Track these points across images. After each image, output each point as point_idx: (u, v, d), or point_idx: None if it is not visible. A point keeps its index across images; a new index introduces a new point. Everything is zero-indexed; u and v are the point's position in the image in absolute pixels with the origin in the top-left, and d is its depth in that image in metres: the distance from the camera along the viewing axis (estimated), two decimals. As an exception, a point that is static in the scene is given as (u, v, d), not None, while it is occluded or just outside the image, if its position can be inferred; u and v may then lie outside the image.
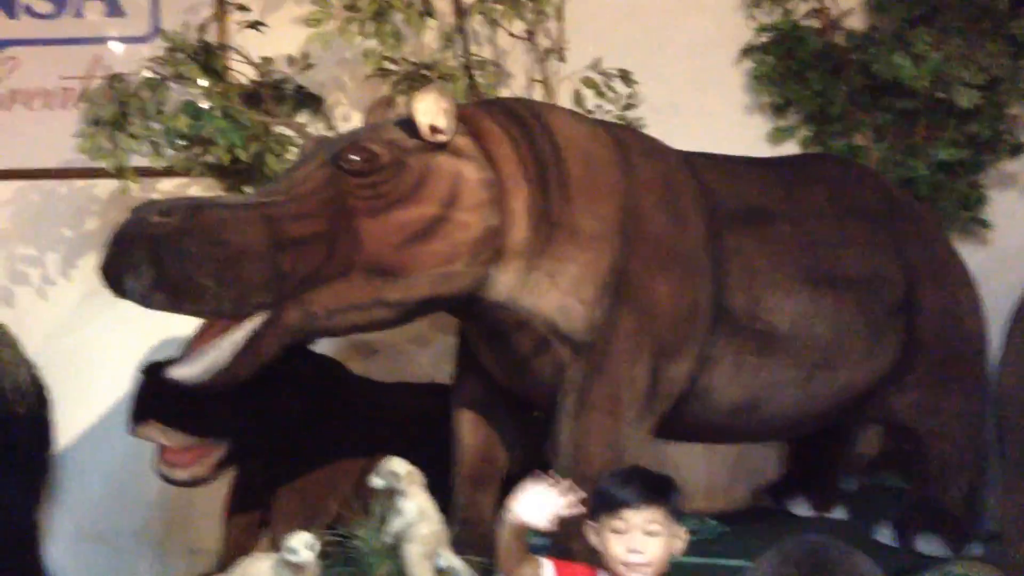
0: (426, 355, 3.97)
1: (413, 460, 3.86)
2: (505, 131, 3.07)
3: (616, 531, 2.18)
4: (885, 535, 3.97)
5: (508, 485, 2.51)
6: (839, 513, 4.31)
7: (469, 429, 3.49)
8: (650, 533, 2.17)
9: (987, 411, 3.70)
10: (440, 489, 3.30)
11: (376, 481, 2.74)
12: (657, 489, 2.22)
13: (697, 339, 3.16)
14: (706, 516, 4.20)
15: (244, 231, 2.67)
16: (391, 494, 2.74)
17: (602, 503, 2.22)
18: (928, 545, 3.82)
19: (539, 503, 2.13)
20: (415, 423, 3.94)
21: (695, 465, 4.66)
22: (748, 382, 3.33)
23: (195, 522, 4.60)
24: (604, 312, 3.00)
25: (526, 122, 3.13)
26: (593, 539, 2.25)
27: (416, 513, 2.60)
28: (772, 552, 2.44)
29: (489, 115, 3.14)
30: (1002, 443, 3.13)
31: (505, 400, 3.43)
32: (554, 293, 2.98)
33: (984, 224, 4.50)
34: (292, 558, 2.51)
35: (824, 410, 3.59)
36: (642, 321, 3.02)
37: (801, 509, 4.34)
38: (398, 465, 2.77)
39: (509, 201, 2.96)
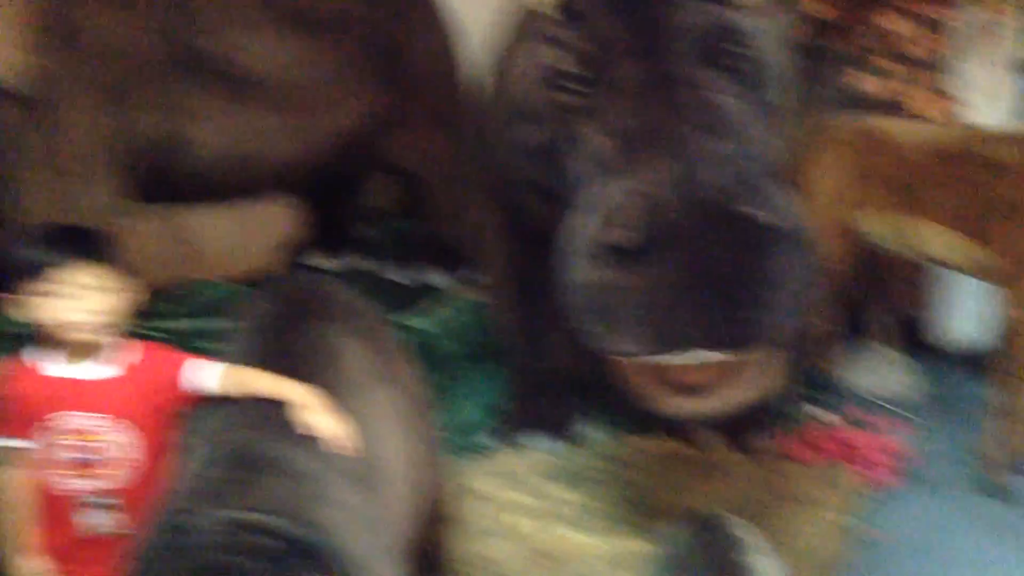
0: None
1: None
2: None
3: (50, 294, 1.96)
4: (396, 273, 4.21)
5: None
6: (356, 261, 4.47)
7: None
8: (87, 287, 1.98)
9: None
10: None
11: None
12: (88, 243, 2.02)
13: (161, 86, 2.90)
14: (226, 280, 4.14)
15: None
16: None
17: (26, 270, 1.93)
18: (432, 276, 4.12)
19: None
20: None
21: (218, 234, 4.49)
22: (232, 132, 3.16)
23: None
24: (43, 58, 2.60)
25: None
26: (19, 313, 2.00)
27: None
28: (262, 294, 2.41)
29: None
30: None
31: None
32: (-23, 38, 2.52)
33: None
34: None
35: (318, 157, 3.56)
36: (90, 70, 2.69)
37: (321, 261, 4.44)
38: None
39: None
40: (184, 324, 3.50)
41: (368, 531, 1.77)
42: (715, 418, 2.09)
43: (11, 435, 2.02)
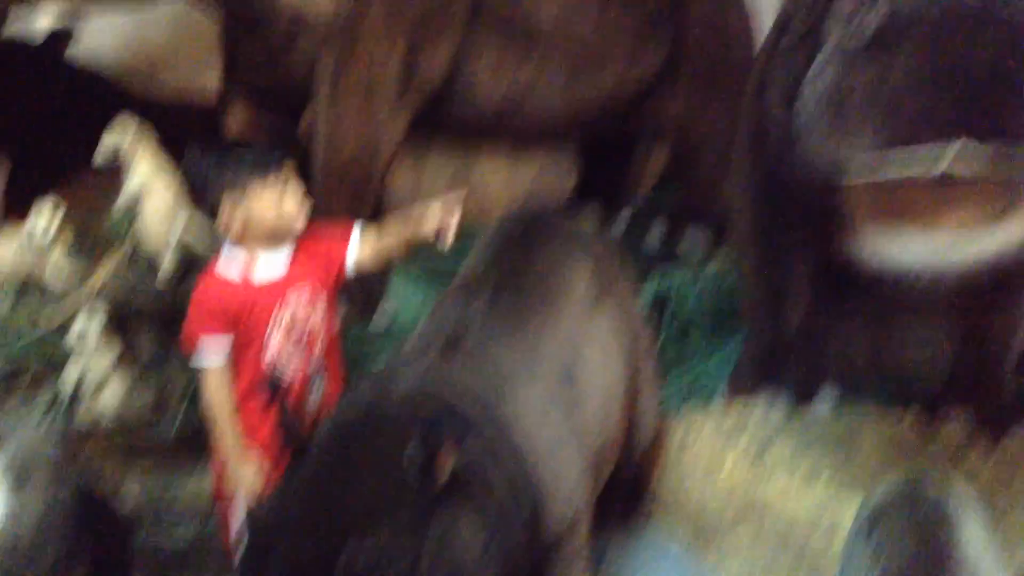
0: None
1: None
2: None
3: (272, 196, 2.13)
4: (655, 235, 4.26)
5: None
6: (620, 224, 4.56)
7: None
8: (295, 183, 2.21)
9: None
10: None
11: (102, 150, 2.55)
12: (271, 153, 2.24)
13: (454, 28, 3.16)
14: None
15: None
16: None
17: (250, 173, 2.12)
18: (692, 239, 4.12)
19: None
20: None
21: (498, 180, 4.80)
22: (511, 78, 3.38)
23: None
24: None
25: None
26: (236, 222, 2.12)
27: (148, 173, 2.49)
28: (507, 218, 2.60)
29: None
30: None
31: (275, 102, 3.40)
32: (295, -24, 2.90)
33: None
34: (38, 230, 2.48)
35: (591, 112, 3.69)
36: (393, 5, 3.00)
37: (591, 217, 4.58)
38: (122, 126, 2.56)
39: None
40: (449, 265, 3.79)
41: (552, 439, 1.90)
42: (961, 273, 1.80)
43: (216, 341, 2.16)
